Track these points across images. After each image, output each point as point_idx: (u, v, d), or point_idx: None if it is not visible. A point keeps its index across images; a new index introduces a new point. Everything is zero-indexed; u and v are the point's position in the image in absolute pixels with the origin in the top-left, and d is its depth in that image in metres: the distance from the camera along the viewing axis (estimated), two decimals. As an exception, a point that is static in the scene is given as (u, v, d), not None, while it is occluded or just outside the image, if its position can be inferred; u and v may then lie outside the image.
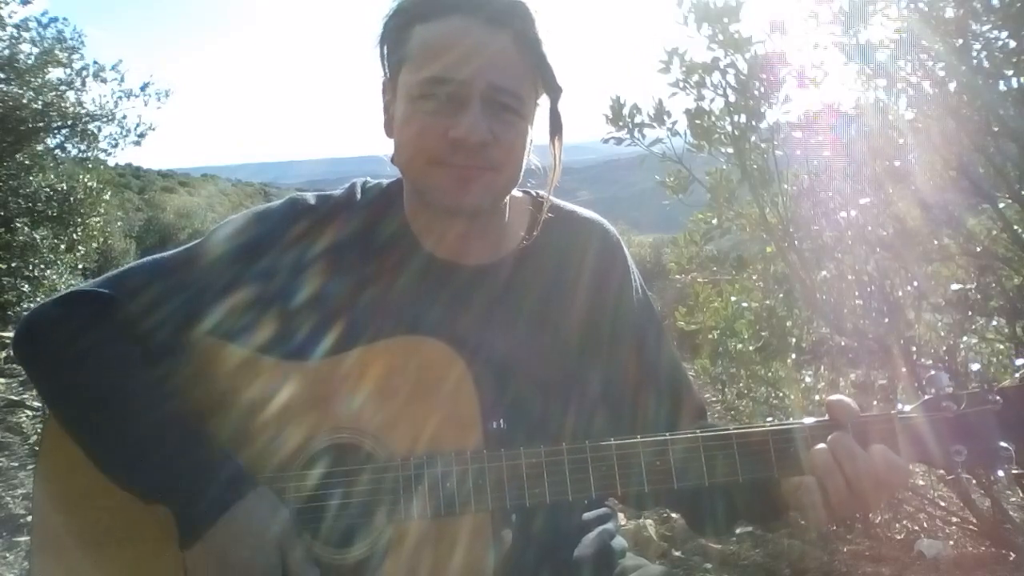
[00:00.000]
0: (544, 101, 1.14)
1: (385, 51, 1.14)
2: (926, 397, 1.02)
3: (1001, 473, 0.99)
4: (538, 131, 1.16)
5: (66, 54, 8.60)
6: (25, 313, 1.15)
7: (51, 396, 1.12)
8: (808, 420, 1.02)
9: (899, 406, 1.04)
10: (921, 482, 3.08)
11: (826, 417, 1.02)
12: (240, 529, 0.99)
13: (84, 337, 1.09)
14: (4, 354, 6.11)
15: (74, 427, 1.09)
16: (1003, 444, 0.98)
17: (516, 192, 1.23)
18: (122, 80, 9.12)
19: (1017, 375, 1.01)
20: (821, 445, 0.98)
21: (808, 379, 3.36)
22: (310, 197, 1.22)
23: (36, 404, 4.98)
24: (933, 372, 1.05)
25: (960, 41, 2.27)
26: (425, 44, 1.06)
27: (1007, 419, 0.99)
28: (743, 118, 2.63)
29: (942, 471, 1.03)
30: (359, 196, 1.22)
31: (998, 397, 0.99)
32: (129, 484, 1.05)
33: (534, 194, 1.26)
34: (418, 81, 1.05)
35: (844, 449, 0.96)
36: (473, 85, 1.03)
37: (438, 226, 1.17)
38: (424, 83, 1.05)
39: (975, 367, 1.06)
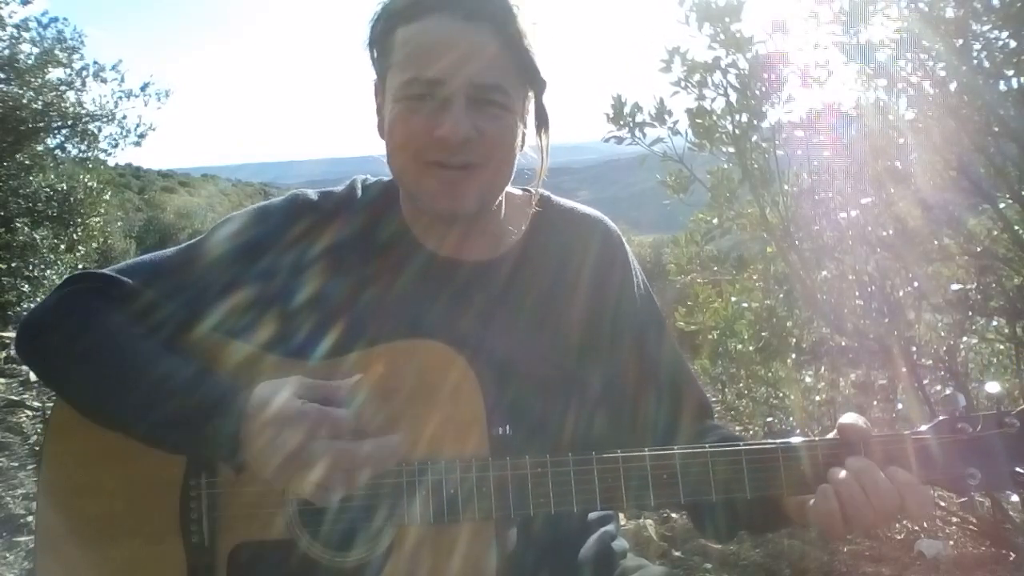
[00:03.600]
0: (531, 96, 1.14)
1: (374, 54, 1.14)
2: (941, 418, 1.01)
3: (1016, 498, 0.98)
4: (532, 132, 1.16)
5: (66, 54, 8.60)
6: (24, 314, 1.15)
7: (66, 372, 1.10)
8: (819, 439, 1.01)
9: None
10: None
11: (836, 435, 1.01)
12: (261, 401, 0.98)
13: (92, 302, 1.10)
14: (4, 354, 6.10)
15: (91, 395, 1.08)
16: (1018, 469, 0.96)
17: (514, 190, 1.23)
18: (122, 80, 9.14)
19: None
20: (843, 472, 0.97)
21: (808, 379, 3.36)
22: (312, 193, 1.22)
23: (36, 404, 4.98)
24: (948, 392, 1.03)
25: (960, 41, 2.27)
26: (408, 46, 1.07)
27: (1021, 442, 0.97)
28: (744, 118, 2.63)
29: (954, 493, 1.02)
30: (360, 194, 1.22)
31: (1015, 420, 0.98)
32: (161, 427, 1.03)
33: (532, 191, 1.26)
34: (403, 83, 1.06)
35: (871, 481, 0.95)
36: (456, 83, 1.04)
37: (437, 226, 1.17)
38: (408, 85, 1.06)
39: (993, 389, 1.05)
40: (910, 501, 0.95)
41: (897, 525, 3.11)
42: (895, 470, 0.97)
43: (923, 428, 1.01)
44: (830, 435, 1.04)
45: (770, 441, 1.02)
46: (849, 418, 1.01)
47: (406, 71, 1.06)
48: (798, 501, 1.02)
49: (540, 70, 1.10)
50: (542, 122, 1.15)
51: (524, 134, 1.14)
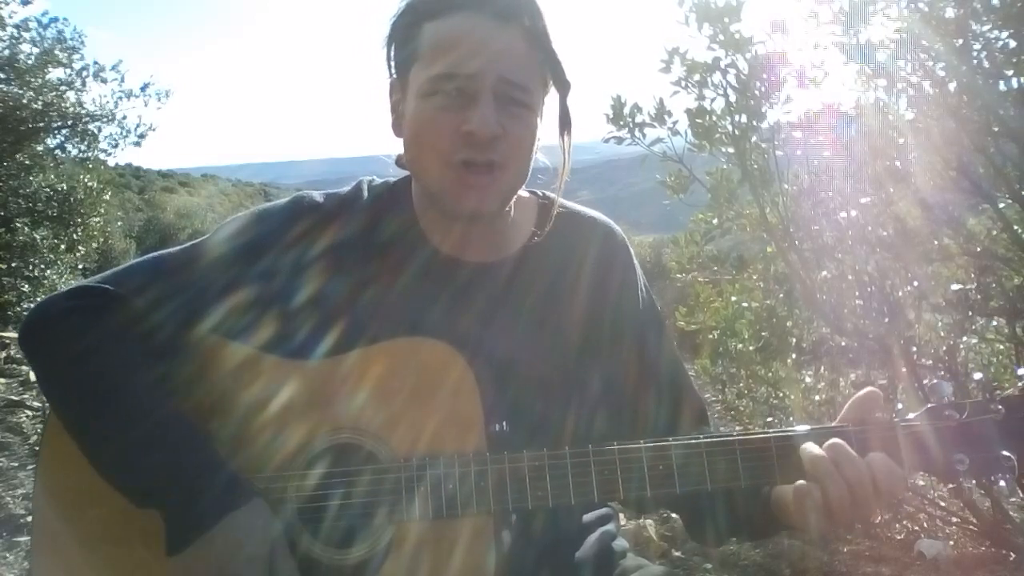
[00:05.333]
0: (552, 98, 1.14)
1: (393, 51, 1.14)
2: (929, 405, 1.02)
3: (1003, 483, 0.99)
4: (545, 130, 1.16)
5: (66, 54, 8.58)
6: (27, 312, 1.15)
7: (51, 392, 1.11)
8: (811, 426, 1.02)
9: (898, 407, 1.04)
10: (921, 482, 3.07)
11: (829, 424, 1.02)
12: (234, 540, 0.97)
13: (86, 334, 1.08)
14: (4, 354, 6.10)
15: (72, 424, 1.08)
16: (1005, 453, 0.98)
17: (522, 192, 1.23)
18: (122, 80, 9.11)
19: (1020, 384, 1.02)
20: (818, 450, 0.98)
21: (808, 379, 3.36)
22: (317, 195, 1.22)
23: (36, 404, 4.98)
24: (936, 380, 1.05)
25: (960, 41, 2.27)
26: (435, 41, 1.06)
27: (1009, 428, 0.99)
28: (744, 118, 2.63)
29: (944, 479, 1.04)
30: (365, 194, 1.22)
31: (1000, 406, 0.99)
32: (124, 485, 1.03)
33: (540, 194, 1.26)
34: (429, 78, 1.06)
35: (842, 454, 0.96)
36: (483, 79, 1.04)
37: (445, 223, 1.17)
38: (435, 79, 1.05)
39: (978, 376, 1.07)
40: (883, 476, 0.95)
41: (897, 525, 3.11)
42: (872, 451, 0.98)
43: (911, 416, 1.02)
44: (843, 411, 1.05)
45: (764, 431, 1.04)
46: (868, 389, 1.04)
47: (433, 66, 1.06)
48: (787, 497, 1.02)
49: (565, 71, 1.10)
50: (565, 124, 1.15)
51: (539, 138, 1.14)
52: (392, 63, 1.15)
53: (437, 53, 1.06)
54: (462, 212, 1.10)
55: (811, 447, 0.99)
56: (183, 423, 1.05)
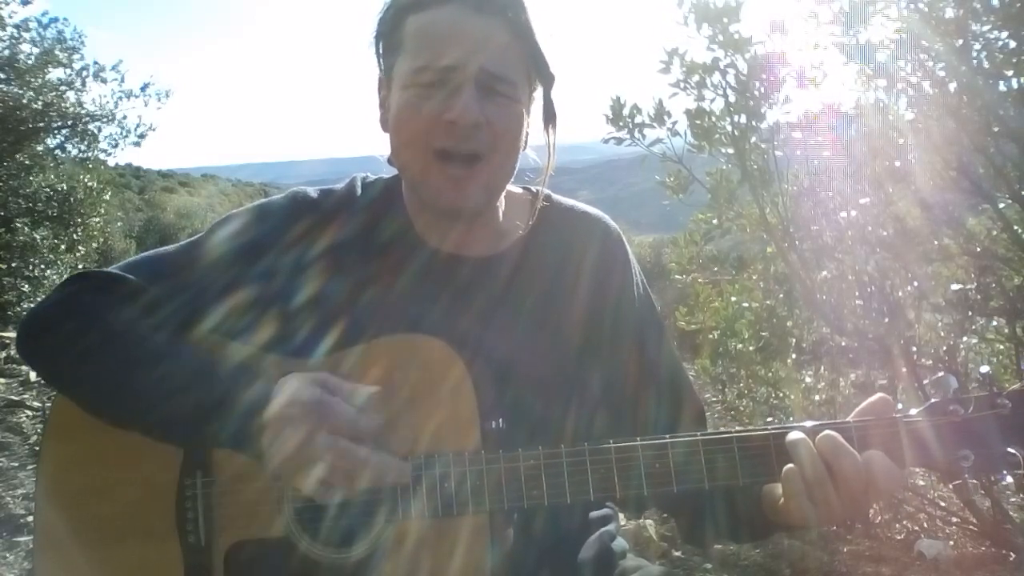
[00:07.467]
0: (539, 93, 1.14)
1: (380, 47, 1.14)
2: (932, 400, 1.00)
3: (1010, 479, 0.97)
4: (536, 130, 1.16)
5: (66, 54, 8.61)
6: (24, 314, 1.15)
7: (65, 373, 1.11)
8: (809, 422, 1.01)
9: (900, 406, 1.03)
10: (921, 482, 3.08)
11: (827, 420, 1.02)
12: (288, 395, 0.99)
13: (92, 306, 1.09)
14: (4, 354, 6.10)
15: (100, 394, 1.08)
16: (1010, 450, 0.96)
17: (515, 188, 1.23)
18: (122, 80, 9.14)
19: None
20: (800, 434, 0.97)
21: (808, 379, 3.36)
22: (312, 192, 1.22)
23: (36, 404, 4.98)
24: (940, 374, 1.02)
25: (960, 41, 2.27)
26: (418, 33, 1.07)
27: (1013, 423, 0.96)
28: (743, 118, 2.63)
29: (947, 476, 1.01)
30: (359, 192, 1.22)
31: (1007, 401, 0.97)
32: (172, 420, 1.04)
33: (533, 190, 1.26)
34: (412, 69, 1.06)
35: (835, 445, 0.95)
36: (466, 69, 1.04)
37: (440, 222, 1.17)
38: (418, 71, 1.06)
39: (984, 370, 1.04)
40: (880, 473, 0.94)
41: (897, 525, 3.12)
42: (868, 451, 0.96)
43: (914, 412, 1.00)
44: (852, 415, 1.03)
45: (761, 427, 1.02)
46: (879, 395, 1.02)
47: (416, 58, 1.06)
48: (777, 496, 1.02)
49: (549, 64, 1.10)
50: (550, 118, 1.15)
51: (528, 132, 1.14)
52: (380, 59, 1.15)
53: (420, 45, 1.06)
54: (445, 206, 1.10)
55: (795, 433, 0.98)
56: (201, 349, 1.09)
